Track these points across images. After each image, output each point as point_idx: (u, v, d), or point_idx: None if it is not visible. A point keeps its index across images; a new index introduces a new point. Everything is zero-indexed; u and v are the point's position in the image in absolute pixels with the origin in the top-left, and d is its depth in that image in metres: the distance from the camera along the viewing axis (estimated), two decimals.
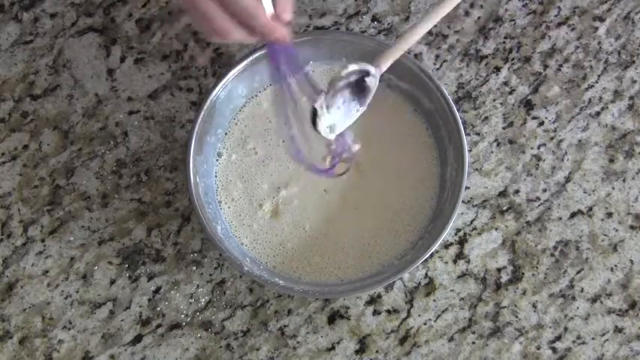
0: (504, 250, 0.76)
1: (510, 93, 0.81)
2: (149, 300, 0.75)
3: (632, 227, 0.77)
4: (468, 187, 0.78)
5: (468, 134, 0.79)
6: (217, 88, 0.73)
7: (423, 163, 0.76)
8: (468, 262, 0.76)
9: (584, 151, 0.79)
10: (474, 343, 0.74)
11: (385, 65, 0.66)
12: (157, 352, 0.74)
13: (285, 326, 0.75)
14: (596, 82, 0.81)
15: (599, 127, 0.80)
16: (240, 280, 0.76)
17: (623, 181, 0.78)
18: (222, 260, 0.76)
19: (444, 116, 0.73)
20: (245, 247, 0.74)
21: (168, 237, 0.77)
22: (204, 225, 0.70)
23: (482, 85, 0.81)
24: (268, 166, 0.76)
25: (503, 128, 0.80)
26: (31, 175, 0.79)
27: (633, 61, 0.81)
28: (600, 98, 0.80)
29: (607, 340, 0.74)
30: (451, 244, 0.77)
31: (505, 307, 0.75)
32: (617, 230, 0.77)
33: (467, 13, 0.82)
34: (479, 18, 0.82)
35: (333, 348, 0.74)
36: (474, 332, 0.75)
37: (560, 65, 0.81)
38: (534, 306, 0.75)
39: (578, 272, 0.76)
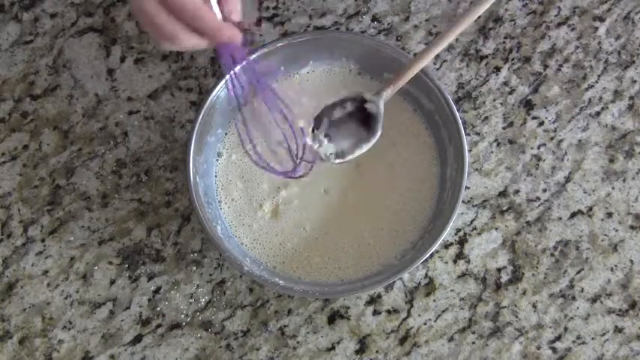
0: (504, 250, 0.76)
1: (510, 93, 0.81)
2: (149, 300, 0.75)
3: (632, 227, 0.77)
4: (468, 187, 0.78)
5: (468, 134, 0.79)
6: (217, 88, 0.73)
7: (423, 163, 0.76)
8: (468, 262, 0.76)
9: (584, 151, 0.79)
10: (473, 343, 0.74)
11: (388, 93, 0.67)
12: (157, 352, 0.74)
13: (285, 326, 0.75)
14: (596, 82, 0.81)
15: (599, 127, 0.80)
16: (240, 280, 0.76)
17: (623, 181, 0.78)
18: (222, 260, 0.76)
19: (444, 116, 0.73)
20: (245, 247, 0.74)
21: (168, 237, 0.77)
22: (204, 225, 0.70)
23: (482, 85, 0.81)
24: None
25: (503, 128, 0.80)
26: (31, 175, 0.79)
27: (633, 61, 0.81)
28: (600, 98, 0.80)
29: (607, 340, 0.74)
30: (451, 244, 0.77)
31: (505, 307, 0.75)
32: (617, 230, 0.77)
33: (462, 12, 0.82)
34: (479, 18, 0.82)
35: (333, 348, 0.74)
36: (474, 332, 0.75)
37: (560, 65, 0.81)
38: (534, 306, 0.75)
39: (578, 272, 0.76)
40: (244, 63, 0.62)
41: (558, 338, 0.74)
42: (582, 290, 0.76)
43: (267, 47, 0.73)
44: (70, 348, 0.74)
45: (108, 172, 0.79)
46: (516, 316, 0.75)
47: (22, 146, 0.79)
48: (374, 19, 0.82)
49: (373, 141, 0.67)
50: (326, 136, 0.69)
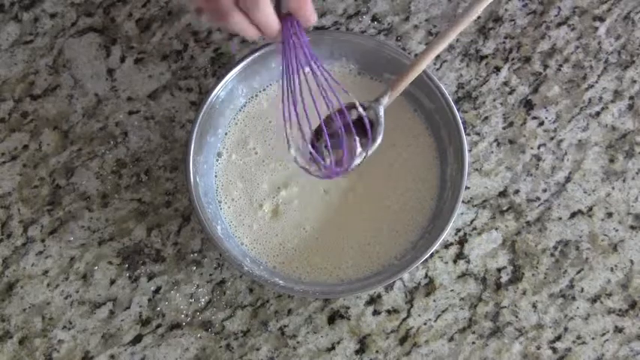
0: (504, 250, 0.76)
1: (510, 93, 0.81)
2: (149, 300, 0.75)
3: (632, 227, 0.77)
4: (468, 187, 0.78)
5: (468, 134, 0.79)
6: (217, 88, 0.73)
7: (423, 163, 0.76)
8: (468, 262, 0.76)
9: (584, 151, 0.79)
10: (473, 343, 0.74)
11: (389, 99, 0.66)
12: (157, 352, 0.74)
13: (285, 326, 0.75)
14: (596, 82, 0.81)
15: (599, 127, 0.80)
16: (240, 280, 0.76)
17: (623, 181, 0.78)
18: (222, 260, 0.76)
19: (444, 116, 0.73)
20: (245, 247, 0.74)
21: (168, 237, 0.77)
22: (204, 225, 0.70)
23: (482, 85, 0.81)
24: (268, 166, 0.76)
25: (503, 128, 0.80)
26: (31, 175, 0.79)
27: (633, 61, 0.81)
28: (600, 98, 0.80)
29: (607, 340, 0.74)
30: (451, 244, 0.77)
31: (505, 307, 0.75)
32: (617, 230, 0.77)
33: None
34: (479, 18, 0.82)
35: (333, 348, 0.74)
36: (474, 332, 0.75)
37: (560, 65, 0.81)
38: (534, 306, 0.75)
39: (578, 272, 0.76)
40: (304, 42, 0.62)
41: (558, 338, 0.74)
42: (582, 290, 0.76)
43: (267, 47, 0.73)
44: (70, 348, 0.74)
45: (108, 172, 0.79)
46: (516, 316, 0.75)
47: (22, 146, 0.79)
48: (374, 19, 0.82)
49: (374, 148, 0.66)
50: (327, 146, 0.68)
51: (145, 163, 0.79)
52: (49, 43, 0.82)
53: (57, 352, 0.74)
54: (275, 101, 0.77)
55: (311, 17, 0.60)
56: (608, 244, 0.77)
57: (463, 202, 0.77)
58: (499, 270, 0.76)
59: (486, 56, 0.81)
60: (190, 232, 0.77)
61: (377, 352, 0.74)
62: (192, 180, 0.71)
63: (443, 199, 0.73)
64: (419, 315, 0.75)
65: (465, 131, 0.71)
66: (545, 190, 0.78)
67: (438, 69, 0.81)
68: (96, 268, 0.76)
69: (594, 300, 0.75)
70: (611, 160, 0.79)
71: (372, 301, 0.75)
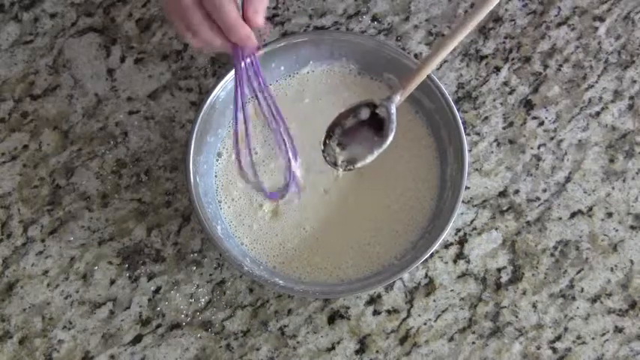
0: (504, 250, 0.76)
1: (510, 93, 0.81)
2: (149, 300, 0.75)
3: (632, 227, 0.77)
4: (468, 187, 0.78)
5: (468, 134, 0.79)
6: (217, 88, 0.73)
7: (423, 163, 0.76)
8: (468, 262, 0.76)
9: (584, 151, 0.79)
10: (473, 343, 0.74)
11: (401, 97, 0.66)
12: (157, 352, 0.74)
13: (285, 326, 0.75)
14: (596, 82, 0.81)
15: (599, 127, 0.80)
16: (240, 280, 0.76)
17: (623, 181, 0.78)
18: (222, 260, 0.76)
19: (444, 116, 0.73)
20: (245, 247, 0.74)
21: (168, 237, 0.77)
22: (204, 225, 0.70)
23: (482, 85, 0.81)
24: (268, 166, 0.76)
25: (503, 128, 0.80)
26: (31, 175, 0.79)
27: (633, 61, 0.81)
28: (600, 98, 0.80)
29: (607, 340, 0.74)
30: (451, 244, 0.77)
31: (505, 307, 0.75)
32: (617, 230, 0.77)
33: (467, 13, 0.82)
34: None
35: (333, 348, 0.74)
36: (474, 332, 0.75)
37: (560, 65, 0.81)
38: (534, 306, 0.75)
39: (578, 272, 0.76)
40: (254, 65, 0.63)
41: (558, 338, 0.74)
42: (582, 290, 0.76)
43: (267, 47, 0.73)
44: (70, 348, 0.75)
45: (108, 172, 0.79)
46: (516, 316, 0.75)
47: (22, 146, 0.79)
48: (374, 19, 0.82)
49: (385, 146, 0.66)
50: (339, 144, 0.68)
51: (145, 163, 0.79)
52: (49, 43, 0.82)
53: (57, 352, 0.74)
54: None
55: (245, 40, 0.60)
56: (608, 244, 0.77)
57: (463, 202, 0.77)
58: (499, 270, 0.76)
59: (486, 56, 0.82)
60: (190, 232, 0.77)
61: (377, 352, 0.74)
62: (192, 180, 0.71)
63: (443, 199, 0.73)
64: (419, 315, 0.75)
65: (465, 131, 0.71)
66: (545, 190, 0.78)
67: (438, 69, 0.81)
68: (96, 268, 0.76)
69: (594, 300, 0.75)
70: (611, 160, 0.79)
71: (372, 301, 0.75)
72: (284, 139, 0.67)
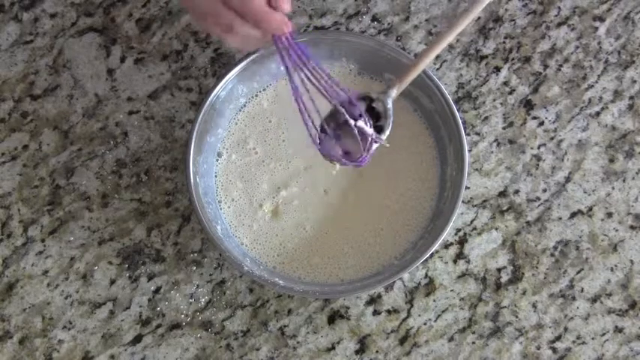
0: (504, 250, 0.76)
1: (510, 93, 0.81)
2: (149, 300, 0.75)
3: (632, 227, 0.77)
4: (468, 187, 0.78)
5: (468, 134, 0.79)
6: (217, 88, 0.73)
7: (423, 163, 0.76)
8: (468, 262, 0.76)
9: (584, 151, 0.79)
10: (474, 343, 0.74)
11: (397, 91, 0.66)
12: (157, 352, 0.74)
13: (285, 326, 0.75)
14: (596, 82, 0.81)
15: (599, 127, 0.80)
16: (240, 280, 0.76)
17: (623, 181, 0.78)
18: (222, 260, 0.76)
19: (444, 116, 0.73)
20: (245, 247, 0.74)
21: (168, 237, 0.77)
22: (204, 225, 0.70)
23: (482, 85, 0.81)
24: (268, 166, 0.76)
25: (503, 128, 0.80)
26: (31, 175, 0.79)
27: (633, 61, 0.81)
28: (600, 98, 0.80)
29: (607, 340, 0.74)
30: (451, 244, 0.77)
31: (505, 307, 0.75)
32: (617, 230, 0.77)
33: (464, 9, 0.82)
34: (479, 18, 0.82)
35: (333, 348, 0.74)
36: (474, 332, 0.75)
37: (560, 65, 0.81)
38: (534, 306, 0.75)
39: (578, 272, 0.76)
40: (295, 47, 0.62)
41: (558, 338, 0.74)
42: (582, 290, 0.76)
43: (267, 47, 0.73)
44: (70, 348, 0.74)
45: (108, 172, 0.79)
46: (516, 316, 0.75)
47: (22, 146, 0.79)
48: (374, 19, 0.82)
49: (382, 140, 0.66)
50: (335, 138, 0.68)
51: (145, 163, 0.79)
52: (49, 43, 0.82)
53: (57, 352, 0.74)
54: (275, 100, 0.77)
55: (279, 28, 0.59)
56: (608, 244, 0.77)
57: (463, 202, 0.77)
58: (499, 270, 0.76)
59: (486, 56, 0.81)
60: (190, 232, 0.77)
61: (377, 352, 0.74)
62: (192, 180, 0.71)
63: (443, 199, 0.73)
64: (419, 315, 0.75)
65: (465, 131, 0.71)
66: (545, 190, 0.78)
67: (438, 69, 0.81)
68: (96, 268, 0.76)
69: (594, 300, 0.75)
70: (611, 160, 0.79)
71: (372, 301, 0.75)
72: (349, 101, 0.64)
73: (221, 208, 0.75)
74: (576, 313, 0.75)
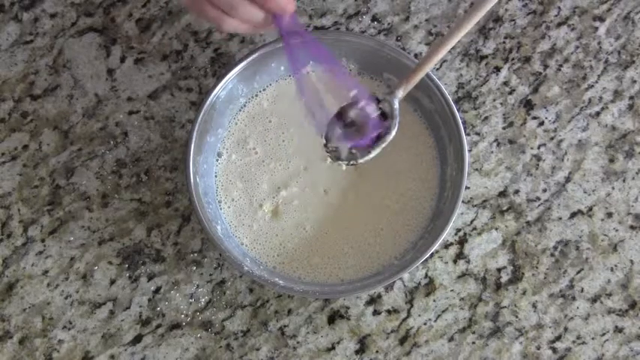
0: (504, 250, 0.76)
1: (510, 93, 0.81)
2: (149, 300, 0.75)
3: (632, 227, 0.77)
4: (468, 187, 0.78)
5: (468, 134, 0.79)
6: (217, 88, 0.73)
7: (423, 163, 0.76)
8: (468, 262, 0.76)
9: (584, 151, 0.79)
10: (474, 343, 0.74)
11: (403, 91, 0.66)
12: (157, 352, 0.74)
13: (285, 326, 0.75)
14: (596, 82, 0.81)
15: (599, 127, 0.80)
16: (240, 280, 0.76)
17: (623, 181, 0.78)
18: (222, 260, 0.76)
19: (444, 116, 0.73)
20: (245, 247, 0.74)
21: (168, 237, 0.77)
22: (204, 225, 0.70)
23: (482, 85, 0.81)
24: (268, 166, 0.76)
25: (503, 128, 0.80)
26: (31, 175, 0.79)
27: (633, 61, 0.81)
28: (600, 98, 0.80)
29: (607, 340, 0.74)
30: (451, 244, 0.77)
31: (505, 307, 0.75)
32: (617, 230, 0.77)
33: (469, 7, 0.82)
34: None
35: (333, 348, 0.74)
36: (474, 332, 0.75)
37: (560, 65, 0.81)
38: (534, 306, 0.75)
39: (578, 272, 0.76)
40: (298, 29, 0.62)
41: (558, 338, 0.74)
42: (582, 290, 0.76)
43: (267, 47, 0.73)
44: (70, 348, 0.75)
45: (108, 172, 0.79)
46: (516, 316, 0.75)
47: (22, 146, 0.79)
48: (374, 19, 0.82)
49: (387, 141, 0.66)
50: (341, 138, 0.68)
51: (145, 163, 0.79)
52: (49, 43, 0.82)
53: (57, 352, 0.74)
54: (275, 100, 0.77)
55: (287, 6, 0.59)
56: (608, 244, 0.77)
57: (463, 202, 0.77)
58: (499, 270, 0.76)
59: (486, 56, 0.81)
60: (190, 232, 0.77)
61: (377, 352, 0.74)
62: (192, 180, 0.71)
63: (443, 199, 0.73)
64: (419, 315, 0.75)
65: (465, 131, 0.71)
66: (545, 190, 0.78)
67: (438, 69, 0.81)
68: (96, 268, 0.76)
69: (594, 300, 0.75)
70: (611, 160, 0.79)
71: (372, 301, 0.75)
72: (353, 83, 0.65)
73: (221, 208, 0.75)
74: (576, 313, 0.75)
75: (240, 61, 0.73)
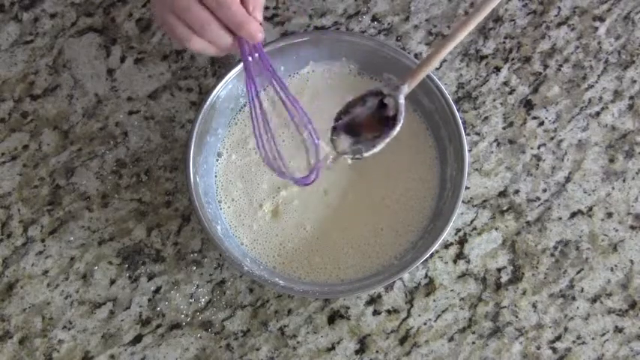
0: (504, 250, 0.76)
1: (510, 93, 0.81)
2: (149, 300, 0.75)
3: (632, 227, 0.77)
4: (468, 187, 0.78)
5: (468, 134, 0.79)
6: (217, 88, 0.73)
7: (423, 163, 0.76)
8: (468, 262, 0.76)
9: (584, 151, 0.79)
10: (474, 343, 0.74)
11: (408, 87, 0.66)
12: (157, 352, 0.74)
13: (285, 326, 0.75)
14: (596, 82, 0.81)
15: (599, 127, 0.80)
16: (240, 280, 0.76)
17: (623, 181, 0.78)
18: (222, 260, 0.76)
19: (444, 116, 0.73)
20: (245, 247, 0.74)
21: (168, 237, 0.77)
22: (204, 225, 0.70)
23: (482, 85, 0.81)
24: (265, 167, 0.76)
25: (503, 128, 0.80)
26: (31, 175, 0.79)
27: (633, 61, 0.81)
28: (600, 98, 0.80)
29: (607, 340, 0.74)
30: (451, 244, 0.77)
31: (505, 307, 0.75)
32: (617, 230, 0.77)
33: (467, 13, 0.82)
34: None
35: (333, 348, 0.74)
36: (474, 332, 0.75)
37: (560, 65, 0.81)
38: (534, 306, 0.75)
39: (578, 272, 0.76)
40: (262, 57, 0.63)
41: (558, 338, 0.74)
42: (582, 290, 0.76)
43: (267, 47, 0.73)
44: (70, 348, 0.75)
45: (108, 172, 0.79)
46: (516, 316, 0.75)
47: (22, 146, 0.79)
48: (374, 19, 0.82)
49: (392, 136, 0.66)
50: (346, 133, 0.67)
51: (145, 163, 0.79)
52: (49, 43, 0.82)
53: (57, 352, 0.74)
54: (275, 99, 0.77)
55: (256, 35, 0.59)
56: (608, 244, 0.77)
57: (463, 202, 0.77)
58: (499, 270, 0.76)
59: (486, 56, 0.82)
60: (190, 232, 0.77)
61: (377, 352, 0.74)
62: (192, 180, 0.71)
63: (443, 199, 0.73)
64: (419, 315, 0.75)
65: (465, 131, 0.71)
66: (545, 190, 0.78)
67: (438, 69, 0.81)
68: (96, 268, 0.76)
69: (594, 300, 0.75)
70: (611, 160, 0.79)
71: (372, 301, 0.75)
72: (305, 121, 0.65)
73: (221, 208, 0.75)
74: (576, 313, 0.75)
75: (240, 61, 0.73)
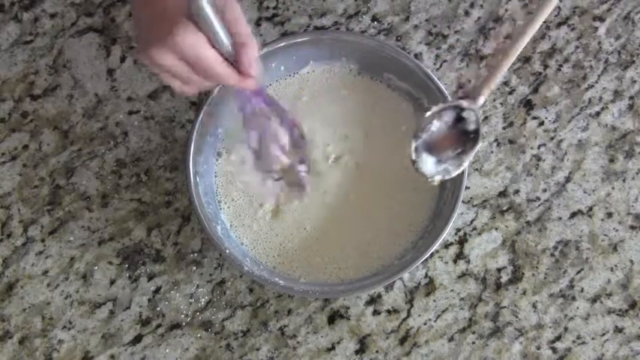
0: (504, 250, 0.76)
1: (510, 93, 0.81)
2: (149, 300, 0.75)
3: (632, 227, 0.77)
4: (468, 187, 0.78)
5: None
6: (217, 89, 0.73)
7: None
8: (468, 262, 0.76)
9: (584, 151, 0.79)
10: (473, 343, 0.74)
11: (482, 99, 0.65)
12: (157, 352, 0.74)
13: (285, 326, 0.75)
14: (596, 82, 0.81)
15: (599, 127, 0.80)
16: (240, 280, 0.76)
17: (623, 181, 0.78)
18: (222, 260, 0.76)
19: None
20: (245, 247, 0.74)
21: (168, 237, 0.77)
22: (204, 225, 0.70)
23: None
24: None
25: (503, 128, 0.80)
26: (31, 175, 0.79)
27: (633, 61, 0.81)
28: (600, 98, 0.80)
29: (607, 340, 0.74)
30: (451, 244, 0.77)
31: (505, 307, 0.75)
32: (617, 230, 0.77)
33: (467, 13, 0.82)
34: (479, 18, 0.82)
35: (333, 348, 0.74)
36: (474, 332, 0.75)
37: (560, 65, 0.81)
38: (534, 306, 0.75)
39: (578, 272, 0.76)
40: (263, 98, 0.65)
41: (558, 338, 0.74)
42: (582, 290, 0.76)
43: (267, 47, 0.73)
44: (70, 348, 0.75)
45: (108, 172, 0.79)
46: (516, 316, 0.75)
47: (22, 146, 0.79)
48: (374, 19, 0.82)
49: (474, 151, 0.66)
50: (427, 152, 0.68)
51: (145, 163, 0.79)
52: (49, 43, 0.82)
53: (57, 352, 0.74)
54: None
55: (252, 73, 0.59)
56: (608, 244, 0.77)
57: (463, 202, 0.77)
58: (499, 270, 0.76)
59: (486, 56, 0.81)
60: (190, 232, 0.77)
61: (377, 352, 0.74)
62: (192, 180, 0.71)
63: (443, 199, 0.73)
64: (419, 315, 0.75)
65: None
66: (545, 190, 0.78)
67: (438, 69, 0.81)
68: (96, 268, 0.76)
69: (594, 300, 0.75)
70: (611, 160, 0.79)
71: (372, 301, 0.75)
72: (298, 143, 0.67)
73: (221, 208, 0.75)
74: (576, 313, 0.75)
75: None
